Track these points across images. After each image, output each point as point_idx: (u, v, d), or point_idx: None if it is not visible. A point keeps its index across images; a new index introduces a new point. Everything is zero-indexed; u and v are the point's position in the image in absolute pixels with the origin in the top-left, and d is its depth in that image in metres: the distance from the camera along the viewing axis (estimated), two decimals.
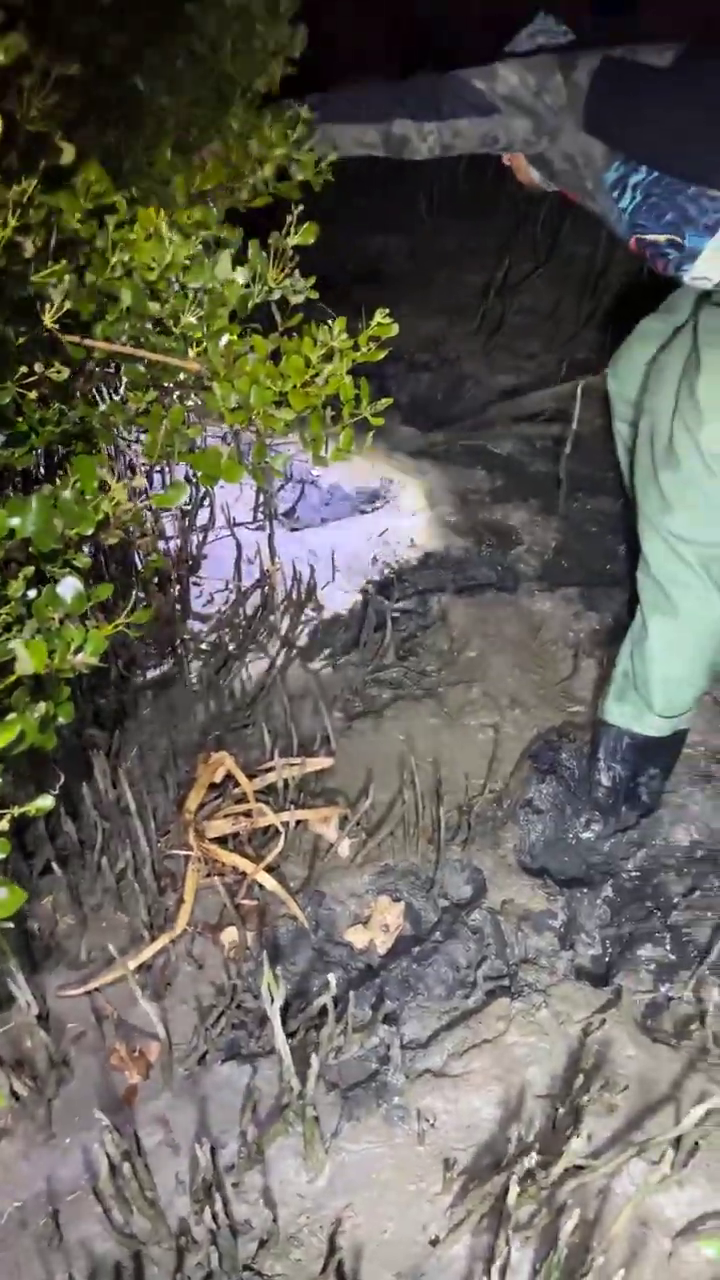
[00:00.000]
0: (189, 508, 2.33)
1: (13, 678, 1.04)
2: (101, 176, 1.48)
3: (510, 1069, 1.45)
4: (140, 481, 1.27)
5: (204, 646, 2.09)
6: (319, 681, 2.05)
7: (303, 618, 2.20)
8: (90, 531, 1.25)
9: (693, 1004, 1.55)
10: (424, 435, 2.89)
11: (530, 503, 2.62)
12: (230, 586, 2.23)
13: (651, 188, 1.77)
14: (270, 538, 2.26)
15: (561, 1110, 1.32)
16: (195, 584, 2.24)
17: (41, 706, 1.13)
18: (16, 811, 1.10)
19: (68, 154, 1.39)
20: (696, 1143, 1.33)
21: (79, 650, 1.17)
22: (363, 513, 2.60)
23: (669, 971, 1.60)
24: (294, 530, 2.50)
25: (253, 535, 2.39)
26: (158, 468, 2.21)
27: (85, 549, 1.28)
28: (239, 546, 2.23)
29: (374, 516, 2.57)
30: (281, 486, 2.62)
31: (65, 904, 1.59)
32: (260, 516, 2.46)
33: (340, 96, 1.83)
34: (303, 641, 2.18)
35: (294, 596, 2.22)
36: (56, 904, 1.59)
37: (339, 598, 2.30)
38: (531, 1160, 1.20)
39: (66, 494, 1.24)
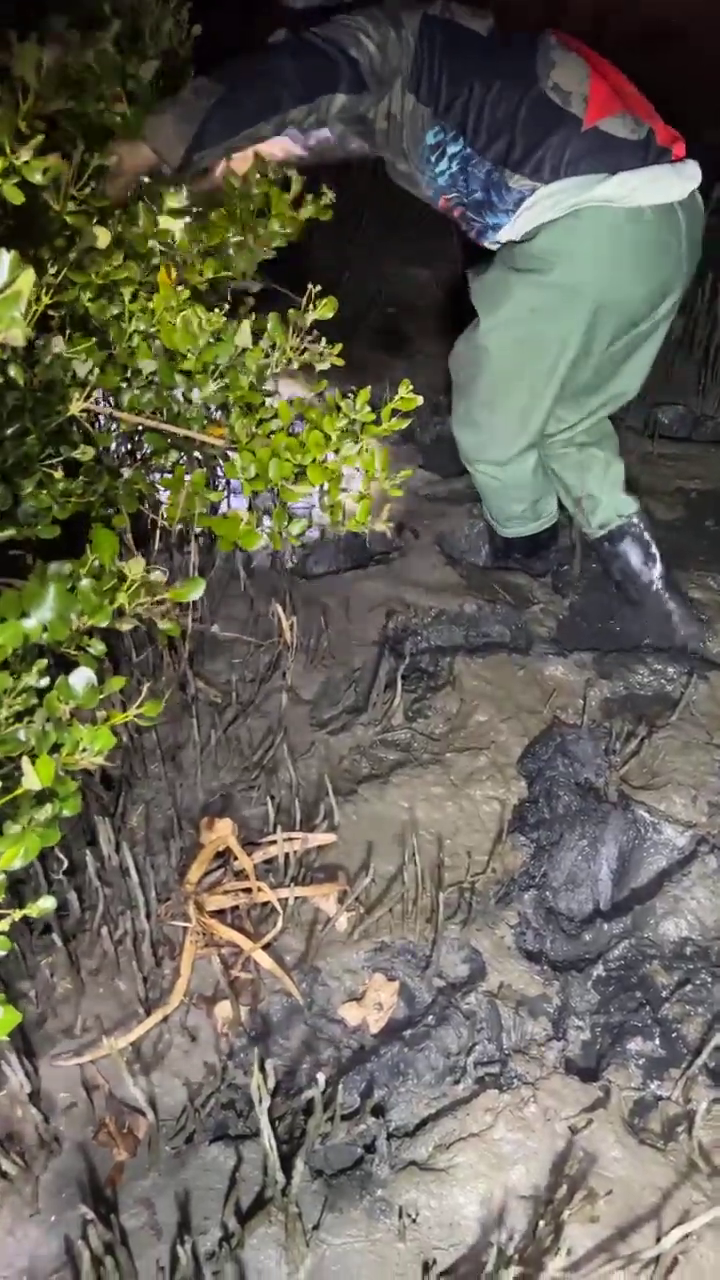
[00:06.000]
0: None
1: (19, 790, 1.05)
2: (114, 251, 1.49)
3: (495, 1166, 1.45)
4: (158, 576, 1.28)
5: (215, 700, 2.10)
6: (327, 744, 2.05)
7: (314, 674, 2.20)
8: (105, 623, 1.26)
9: (681, 1105, 1.55)
10: (444, 481, 2.89)
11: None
12: (243, 640, 2.24)
13: (467, 164, 1.84)
14: (288, 594, 2.27)
15: (544, 1222, 1.32)
16: (206, 636, 2.24)
17: (48, 808, 1.14)
18: (18, 914, 1.11)
19: (103, 238, 1.40)
20: (676, 1258, 1.33)
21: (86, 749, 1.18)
22: (379, 561, 2.61)
23: (658, 1068, 1.60)
24: (309, 578, 2.51)
25: (267, 581, 2.39)
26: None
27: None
28: (252, 601, 2.24)
29: (390, 566, 2.57)
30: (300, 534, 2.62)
31: (63, 968, 1.60)
32: (277, 566, 2.46)
33: (226, 101, 1.67)
34: (312, 696, 2.19)
35: (307, 650, 2.23)
36: (54, 968, 1.60)
37: (351, 651, 2.30)
38: (512, 1275, 1.20)
39: (85, 583, 1.24)
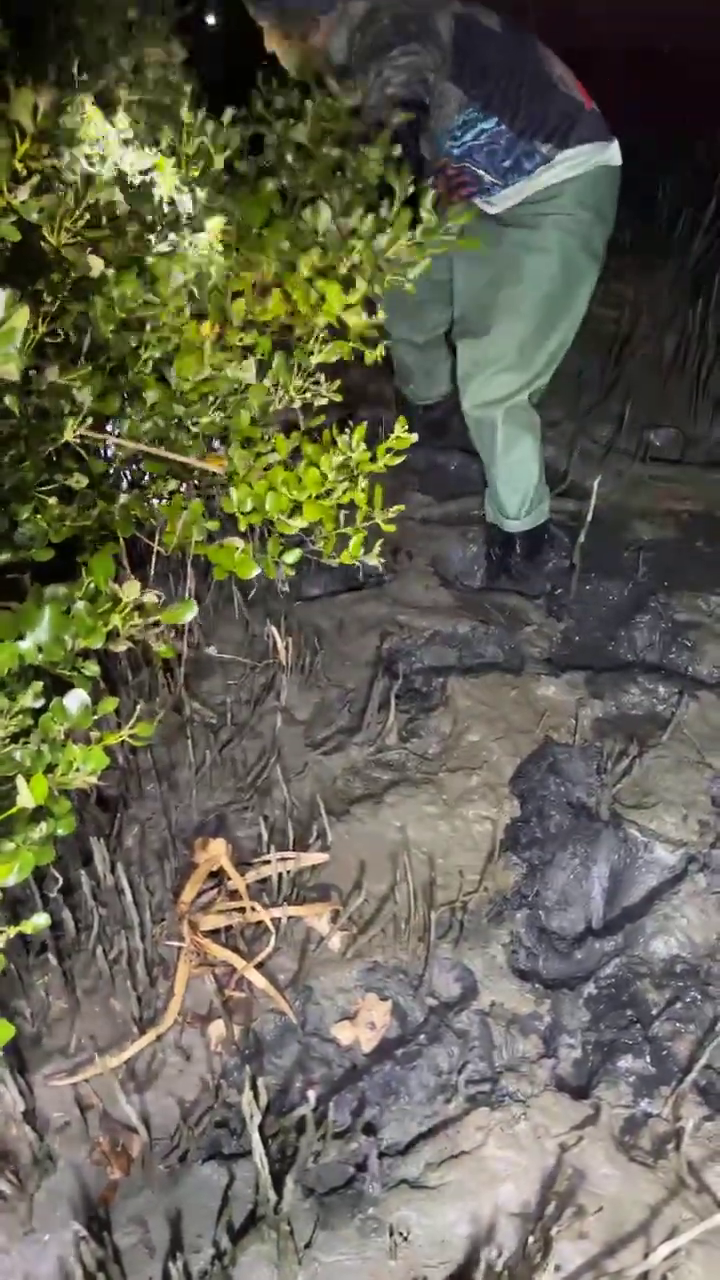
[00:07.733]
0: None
1: (14, 809, 1.07)
2: (137, 290, 1.52)
3: (486, 1184, 1.46)
4: (152, 598, 1.30)
5: (210, 721, 2.12)
6: (320, 764, 2.07)
7: (308, 694, 2.23)
8: (99, 645, 1.28)
9: (670, 1122, 1.56)
10: (439, 504, 2.93)
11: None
12: (238, 661, 2.26)
13: (497, 138, 2.24)
14: (283, 616, 2.29)
15: (533, 1239, 1.33)
16: (201, 658, 2.27)
17: (43, 827, 1.16)
18: (13, 931, 1.13)
19: (95, 266, 1.43)
20: (665, 1275, 1.34)
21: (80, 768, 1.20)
22: (374, 583, 2.63)
23: (648, 1085, 1.61)
24: (304, 600, 2.53)
25: (263, 603, 2.42)
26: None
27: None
28: (247, 623, 2.26)
29: (385, 588, 2.60)
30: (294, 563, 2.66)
31: (58, 988, 1.62)
32: (273, 589, 2.49)
33: None
34: (307, 717, 2.21)
35: (302, 671, 2.26)
36: (49, 987, 1.62)
37: (346, 672, 2.33)
38: None
39: (79, 605, 1.27)
